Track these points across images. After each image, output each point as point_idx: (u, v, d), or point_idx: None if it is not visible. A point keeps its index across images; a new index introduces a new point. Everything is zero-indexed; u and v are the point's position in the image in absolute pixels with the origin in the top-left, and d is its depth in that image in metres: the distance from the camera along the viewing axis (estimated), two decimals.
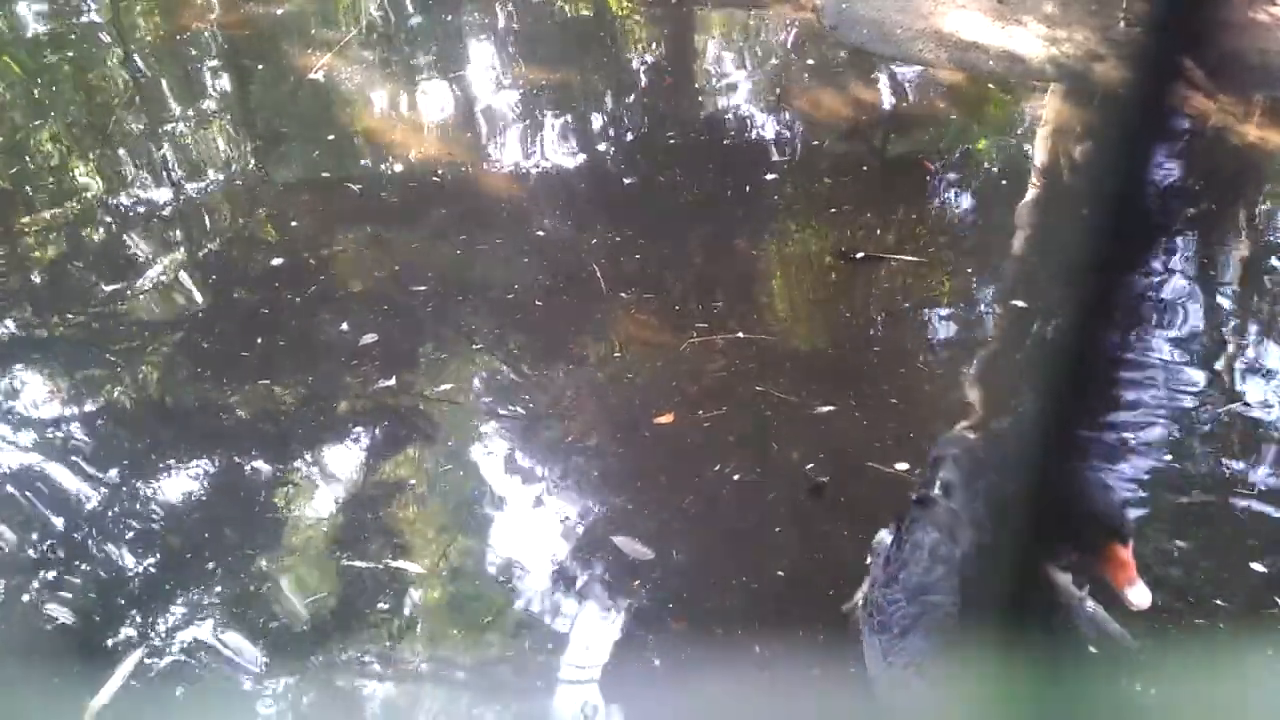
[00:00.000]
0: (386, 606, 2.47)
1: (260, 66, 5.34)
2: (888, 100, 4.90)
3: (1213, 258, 3.64)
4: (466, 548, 2.62)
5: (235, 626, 2.41)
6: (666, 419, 2.96)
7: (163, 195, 4.18)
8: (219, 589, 2.50)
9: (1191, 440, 2.86)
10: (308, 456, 2.92)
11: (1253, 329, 3.34)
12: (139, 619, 2.42)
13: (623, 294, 3.48)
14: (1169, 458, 2.79)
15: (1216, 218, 3.92)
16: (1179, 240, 3.63)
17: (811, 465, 2.77)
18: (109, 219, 4.06)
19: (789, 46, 5.39)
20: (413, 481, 2.84)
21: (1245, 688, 2.18)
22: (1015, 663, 0.96)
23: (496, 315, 3.42)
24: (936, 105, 4.82)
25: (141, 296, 3.60)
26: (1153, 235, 0.73)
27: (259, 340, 3.34)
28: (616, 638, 2.36)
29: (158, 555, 2.61)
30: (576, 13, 5.99)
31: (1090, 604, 2.03)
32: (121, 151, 4.53)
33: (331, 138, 4.57)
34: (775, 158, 4.37)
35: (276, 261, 3.73)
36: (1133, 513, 2.24)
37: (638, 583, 2.48)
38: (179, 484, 2.82)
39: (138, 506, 2.75)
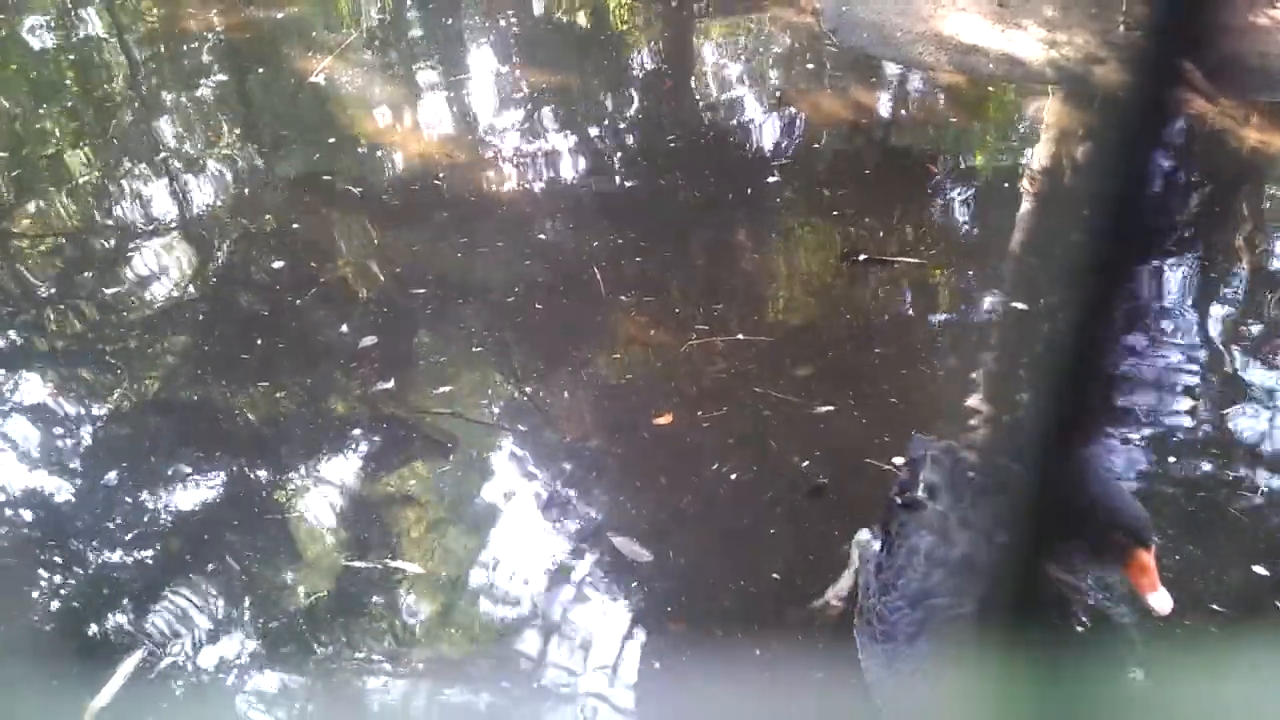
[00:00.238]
0: (385, 607, 2.47)
1: (261, 70, 5.34)
2: (888, 103, 4.91)
3: (1213, 260, 3.65)
4: (466, 548, 2.62)
5: (235, 627, 2.41)
6: (665, 420, 2.96)
7: (163, 198, 4.19)
8: (218, 589, 2.50)
9: (1192, 442, 2.86)
10: (307, 458, 2.92)
11: (1253, 330, 3.34)
12: (138, 619, 2.43)
13: (622, 296, 3.48)
14: (1170, 459, 2.79)
15: (1216, 220, 3.93)
16: (1179, 242, 3.64)
17: (808, 463, 2.77)
18: (109, 222, 4.07)
19: (789, 50, 5.40)
20: (412, 482, 2.84)
21: (1247, 691, 2.18)
22: (1020, 664, 0.96)
23: (496, 317, 3.42)
24: (937, 108, 4.83)
25: (141, 299, 3.60)
26: (1153, 237, 0.73)
27: (259, 342, 3.34)
28: (615, 639, 2.36)
29: (157, 556, 2.61)
30: (576, 16, 6.00)
31: (1099, 596, 2.03)
32: (122, 154, 4.54)
33: (332, 141, 4.57)
34: (775, 161, 4.37)
35: (277, 264, 3.74)
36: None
37: (636, 584, 2.48)
38: (178, 485, 2.82)
39: (137, 507, 2.75)
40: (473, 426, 3.02)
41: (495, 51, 5.47)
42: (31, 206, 4.17)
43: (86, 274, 3.76)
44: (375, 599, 2.49)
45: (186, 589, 2.50)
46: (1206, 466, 2.77)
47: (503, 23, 5.76)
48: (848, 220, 3.93)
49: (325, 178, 4.33)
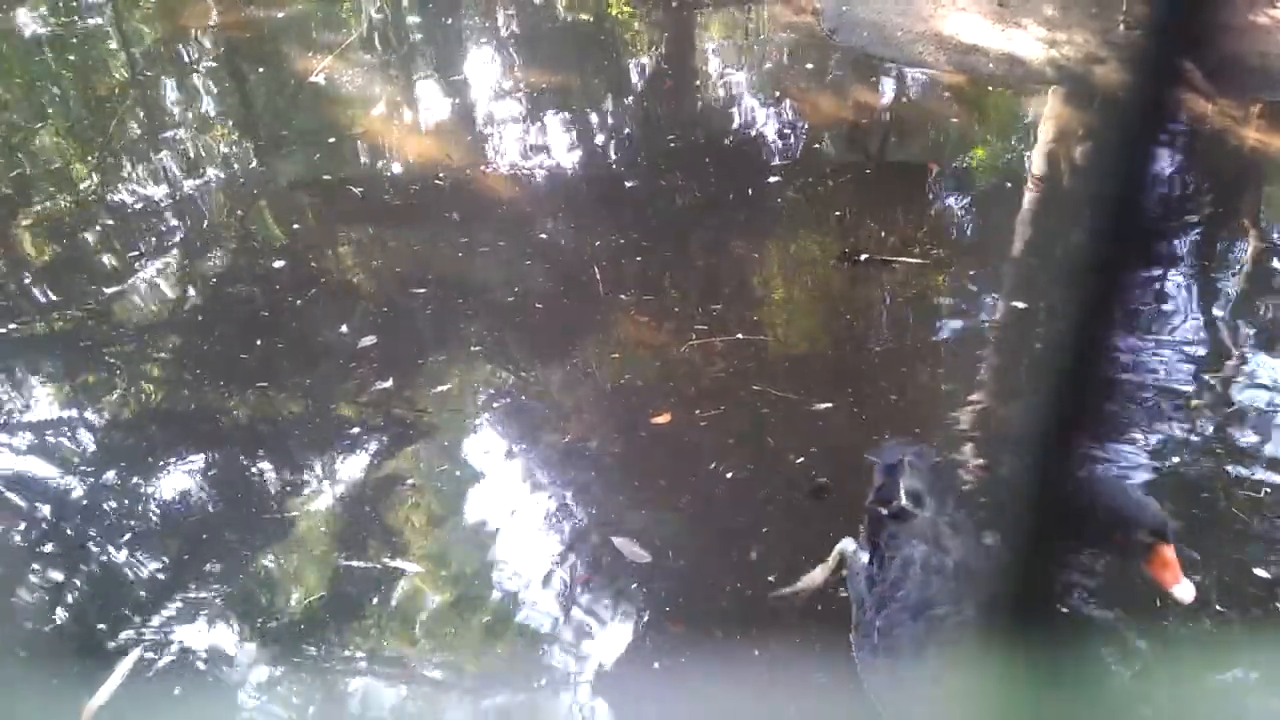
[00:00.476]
0: (384, 606, 2.47)
1: (261, 69, 5.34)
2: (888, 103, 4.91)
3: (1213, 259, 3.64)
4: (464, 548, 2.62)
5: (233, 626, 2.41)
6: (664, 419, 2.96)
7: (164, 197, 4.19)
8: (217, 589, 2.50)
9: (1192, 442, 2.86)
10: (307, 458, 2.92)
11: (1253, 331, 3.33)
12: (137, 619, 2.42)
13: (622, 296, 3.48)
14: (1170, 459, 2.79)
15: (1216, 220, 3.93)
16: (1179, 242, 3.63)
17: (804, 460, 2.77)
18: (110, 221, 4.06)
19: (789, 50, 5.40)
20: (411, 482, 2.84)
21: (1248, 691, 2.18)
22: (1026, 666, 0.96)
23: (496, 317, 3.42)
24: (937, 108, 4.83)
25: (142, 298, 3.60)
26: (1152, 237, 0.73)
27: (259, 342, 3.34)
28: (614, 639, 2.35)
29: (157, 555, 2.61)
30: (577, 16, 5.99)
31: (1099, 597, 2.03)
32: (123, 154, 4.54)
33: (332, 140, 4.57)
34: (775, 160, 4.37)
35: (277, 264, 3.74)
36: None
37: (636, 584, 2.48)
38: (178, 485, 2.82)
39: (136, 507, 2.75)
40: (472, 426, 3.01)
41: (495, 51, 5.47)
42: (30, 206, 4.17)
43: (84, 273, 3.76)
44: (374, 598, 2.49)
45: (185, 588, 2.49)
46: (1207, 466, 2.77)
47: (502, 23, 5.76)
48: (848, 220, 3.93)
49: (325, 178, 4.33)
